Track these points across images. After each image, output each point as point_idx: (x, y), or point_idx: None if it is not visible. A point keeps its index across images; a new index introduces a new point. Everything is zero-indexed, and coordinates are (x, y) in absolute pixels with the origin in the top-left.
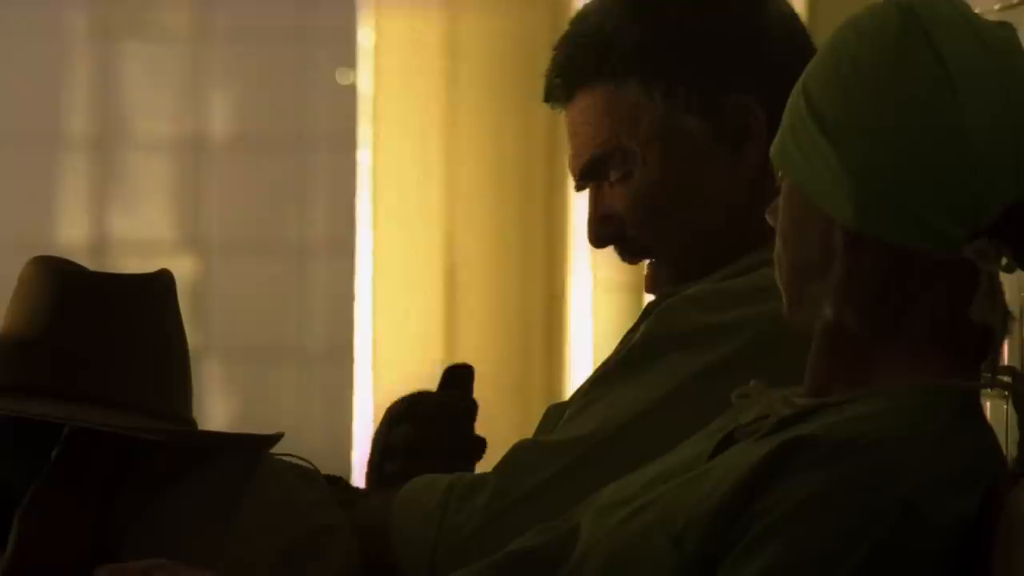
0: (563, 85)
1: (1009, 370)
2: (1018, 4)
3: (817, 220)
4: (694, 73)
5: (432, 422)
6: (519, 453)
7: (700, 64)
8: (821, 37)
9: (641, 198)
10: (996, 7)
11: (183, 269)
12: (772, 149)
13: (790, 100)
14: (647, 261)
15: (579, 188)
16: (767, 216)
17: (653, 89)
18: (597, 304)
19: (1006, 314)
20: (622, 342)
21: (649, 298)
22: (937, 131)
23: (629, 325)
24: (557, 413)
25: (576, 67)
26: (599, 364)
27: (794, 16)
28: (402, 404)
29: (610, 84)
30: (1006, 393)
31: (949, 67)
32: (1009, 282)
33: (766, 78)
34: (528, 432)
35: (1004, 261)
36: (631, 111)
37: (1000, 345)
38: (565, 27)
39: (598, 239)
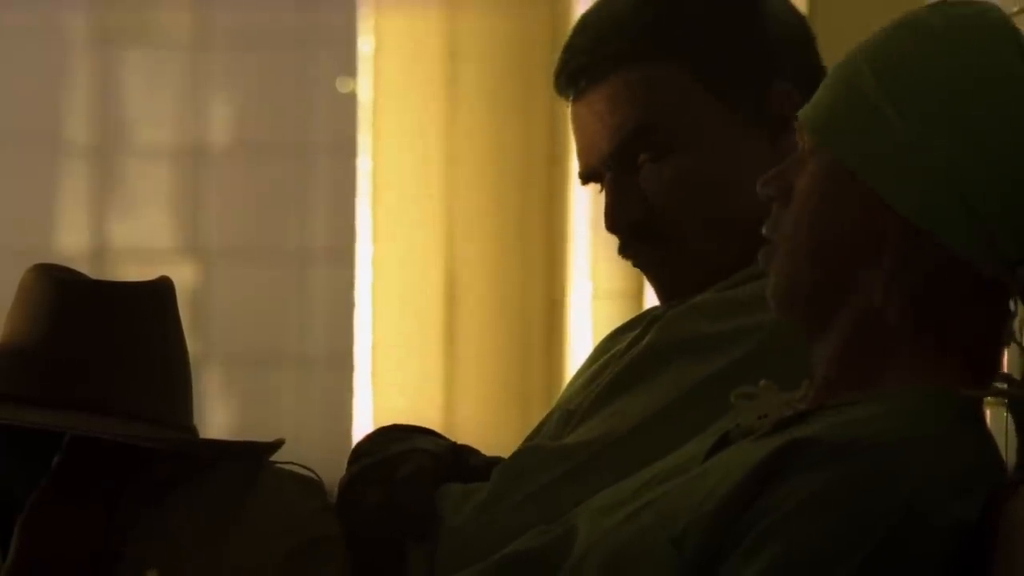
0: (593, 67)
1: (1005, 377)
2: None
3: (858, 200)
4: (738, 58)
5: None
6: (523, 456)
7: (745, 48)
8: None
9: (680, 180)
10: (1014, 9)
11: (183, 276)
12: (809, 116)
13: (842, 72)
14: (646, 274)
15: (590, 180)
16: (762, 187)
17: (696, 72)
18: (596, 312)
19: None
20: (626, 351)
21: (648, 305)
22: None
23: None
24: (563, 419)
25: (611, 48)
26: (602, 372)
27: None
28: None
29: (649, 65)
30: (1005, 400)
31: None
32: None
33: (804, 66)
34: None
35: None
36: (671, 93)
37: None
38: (565, 28)
39: (619, 221)
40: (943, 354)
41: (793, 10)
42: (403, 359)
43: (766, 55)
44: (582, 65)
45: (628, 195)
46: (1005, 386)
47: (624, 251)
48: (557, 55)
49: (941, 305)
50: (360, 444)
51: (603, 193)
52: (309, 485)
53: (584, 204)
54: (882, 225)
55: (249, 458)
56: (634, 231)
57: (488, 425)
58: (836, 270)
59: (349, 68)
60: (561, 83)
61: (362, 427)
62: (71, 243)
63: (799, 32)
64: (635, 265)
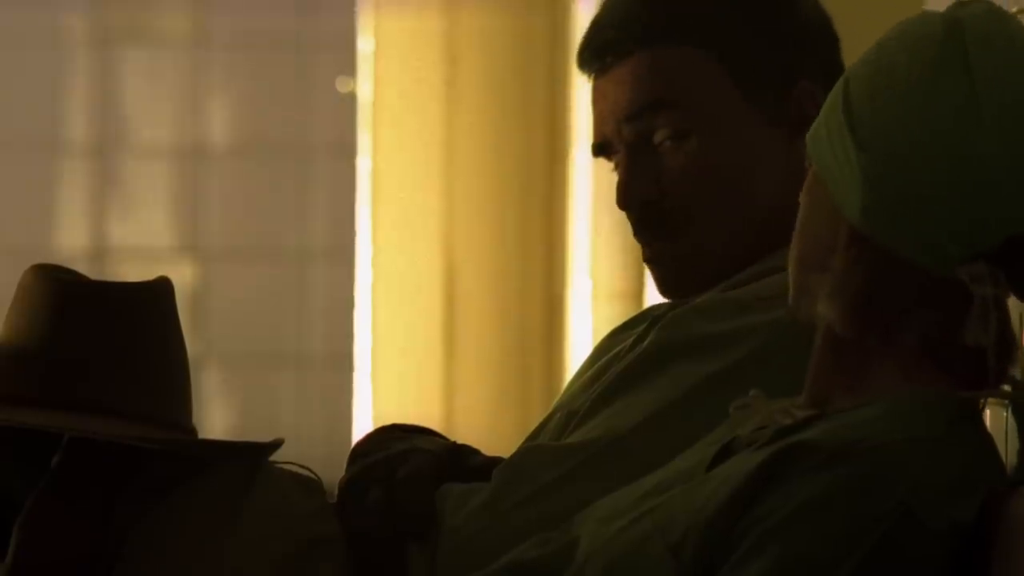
0: (620, 42)
1: (1008, 378)
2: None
3: (829, 211)
4: (766, 49)
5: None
6: (524, 456)
7: (774, 41)
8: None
9: (694, 165)
10: (1014, 9)
11: (182, 276)
12: (809, 133)
13: (834, 88)
14: (650, 268)
15: (601, 152)
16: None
17: (722, 59)
18: (596, 312)
19: (1008, 340)
20: (629, 350)
21: (648, 305)
22: (954, 153)
23: None
24: (565, 419)
25: (641, 26)
26: (603, 371)
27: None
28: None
29: (677, 47)
30: (1005, 401)
31: (979, 90)
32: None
33: (829, 67)
34: None
35: (996, 288)
36: (695, 76)
37: (1003, 369)
38: (566, 28)
39: (631, 199)
40: (919, 358)
41: (822, 10)
42: (403, 359)
43: (794, 50)
44: (609, 40)
45: (643, 173)
46: (1007, 388)
47: (638, 233)
48: (557, 55)
49: (891, 307)
50: (359, 444)
51: (615, 171)
52: (308, 485)
53: (584, 204)
54: (835, 232)
55: (248, 458)
56: (644, 214)
57: (488, 425)
58: (808, 277)
59: (349, 68)
60: (586, 57)
61: (362, 427)
62: (70, 243)
63: (828, 32)
64: (643, 244)
